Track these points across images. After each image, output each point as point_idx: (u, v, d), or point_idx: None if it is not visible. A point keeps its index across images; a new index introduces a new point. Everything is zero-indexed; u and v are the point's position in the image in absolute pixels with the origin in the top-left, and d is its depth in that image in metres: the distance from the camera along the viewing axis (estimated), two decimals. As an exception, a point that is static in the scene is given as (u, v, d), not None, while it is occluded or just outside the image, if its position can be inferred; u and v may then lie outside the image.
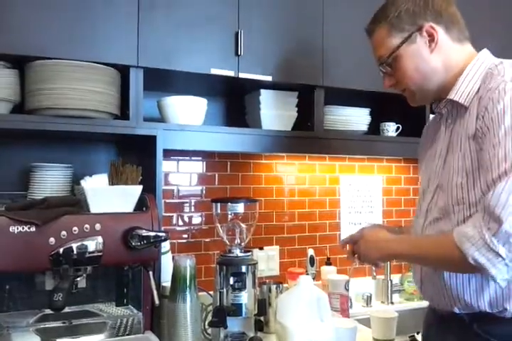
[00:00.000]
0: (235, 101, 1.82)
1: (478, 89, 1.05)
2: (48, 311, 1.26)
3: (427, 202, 1.15)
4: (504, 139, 0.95)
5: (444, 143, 1.13)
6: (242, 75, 1.53)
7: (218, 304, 1.39)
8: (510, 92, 0.97)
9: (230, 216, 1.53)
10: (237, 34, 1.52)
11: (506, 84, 0.98)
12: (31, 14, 1.29)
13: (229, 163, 1.88)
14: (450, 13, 1.12)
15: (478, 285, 1.04)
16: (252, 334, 1.41)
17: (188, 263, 1.41)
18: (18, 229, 1.15)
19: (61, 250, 1.17)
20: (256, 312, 1.42)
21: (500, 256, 0.91)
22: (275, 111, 1.68)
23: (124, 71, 1.42)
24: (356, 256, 1.24)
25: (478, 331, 1.06)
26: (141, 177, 1.41)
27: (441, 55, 1.11)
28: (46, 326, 1.29)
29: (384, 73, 1.18)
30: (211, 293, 1.51)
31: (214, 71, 1.50)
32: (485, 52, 1.12)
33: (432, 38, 1.10)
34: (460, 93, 1.08)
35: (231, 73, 1.52)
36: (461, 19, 1.14)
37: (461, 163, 1.05)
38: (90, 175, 1.36)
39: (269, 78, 1.58)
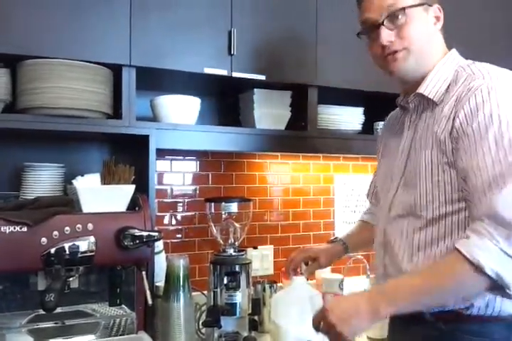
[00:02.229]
0: (228, 101, 1.82)
1: (449, 86, 1.05)
2: (41, 312, 1.26)
3: (390, 198, 1.13)
4: (494, 144, 0.92)
5: (408, 138, 1.11)
6: (235, 74, 1.53)
7: (212, 304, 1.39)
8: (495, 96, 0.95)
9: (223, 215, 1.53)
10: (230, 33, 1.51)
11: (489, 87, 0.96)
12: (23, 13, 1.28)
13: (222, 163, 1.87)
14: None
15: None
16: (246, 334, 1.41)
17: (181, 262, 1.40)
18: (9, 229, 1.14)
19: (53, 250, 1.16)
20: (250, 311, 1.42)
21: None
22: (269, 110, 1.68)
23: (116, 70, 1.41)
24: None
25: (445, 329, 1.01)
26: (133, 177, 1.40)
27: (435, 38, 1.11)
28: (39, 326, 1.28)
29: (381, 26, 1.06)
30: (205, 292, 1.51)
31: (207, 70, 1.49)
32: (455, 51, 1.12)
33: (437, 19, 1.10)
34: (430, 88, 1.07)
35: (224, 72, 1.51)
36: None
37: (433, 159, 1.02)
38: (82, 175, 1.35)
39: (262, 77, 1.58)
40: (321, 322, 0.98)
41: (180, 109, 1.54)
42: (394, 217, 1.10)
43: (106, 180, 1.35)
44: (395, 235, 1.09)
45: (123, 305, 1.38)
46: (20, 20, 1.28)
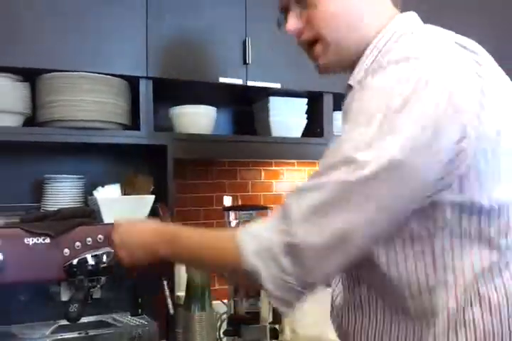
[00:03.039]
0: (243, 109, 1.83)
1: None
2: (63, 322, 1.27)
3: None
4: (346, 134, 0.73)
5: None
6: (250, 83, 1.54)
7: (233, 313, 1.39)
8: (380, 82, 0.70)
9: (241, 224, 1.53)
10: (244, 42, 1.53)
11: (385, 69, 0.71)
12: (41, 29, 1.31)
13: (239, 171, 1.88)
14: None
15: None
16: (267, 343, 1.40)
17: (202, 272, 1.41)
18: (32, 240, 1.15)
19: (75, 261, 1.17)
20: (271, 320, 1.42)
21: (281, 266, 0.70)
22: (284, 118, 1.68)
23: (133, 82, 1.43)
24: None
25: None
26: (152, 187, 1.41)
27: (370, 6, 0.83)
28: (63, 337, 1.29)
29: (287, 11, 0.87)
30: (225, 301, 1.51)
31: (222, 80, 1.51)
32: (405, 16, 0.84)
33: None
34: (358, 75, 0.82)
35: (239, 81, 1.53)
36: None
37: None
38: (103, 186, 1.37)
39: (277, 85, 1.58)
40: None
41: (196, 119, 1.56)
42: None
43: (126, 191, 1.36)
44: None
45: (144, 315, 1.38)
46: (39, 35, 1.30)
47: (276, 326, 1.44)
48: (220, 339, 1.52)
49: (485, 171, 0.71)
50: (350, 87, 0.84)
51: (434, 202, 0.71)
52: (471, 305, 0.72)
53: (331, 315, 0.95)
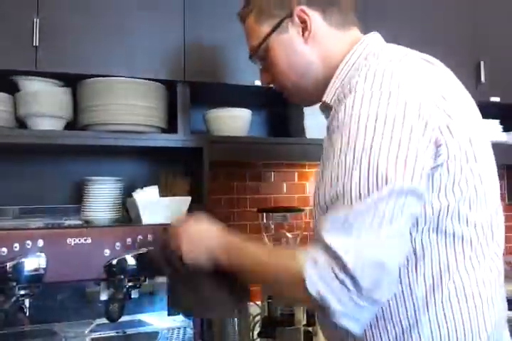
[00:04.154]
0: (278, 112, 1.83)
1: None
2: (101, 321, 1.30)
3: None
4: (339, 158, 0.75)
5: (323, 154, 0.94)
6: (285, 86, 1.54)
7: (267, 314, 1.40)
8: (362, 99, 0.75)
9: (273, 225, 1.54)
10: (279, 45, 1.53)
11: (364, 87, 0.76)
12: (82, 35, 1.34)
13: (273, 173, 1.89)
14: None
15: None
16: (301, 345, 1.40)
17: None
18: (74, 241, 1.18)
19: (115, 261, 1.20)
20: (305, 322, 1.42)
21: (345, 286, 0.70)
22: (319, 120, 1.67)
23: (171, 86, 1.45)
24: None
25: None
26: (189, 189, 1.43)
27: (318, 46, 0.91)
28: (101, 335, 1.32)
29: (261, 68, 1.00)
30: (258, 303, 1.52)
31: (258, 82, 1.51)
32: (369, 37, 0.90)
33: (305, 25, 0.90)
34: (331, 92, 0.89)
35: (275, 84, 1.53)
36: None
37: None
38: (141, 188, 1.40)
39: (312, 87, 1.58)
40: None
41: (232, 122, 1.57)
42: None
43: (164, 192, 1.38)
44: None
45: (181, 315, 1.40)
46: (80, 42, 1.34)
47: (310, 328, 1.44)
48: (254, 340, 1.52)
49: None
50: (324, 104, 0.92)
51: None
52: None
53: None
